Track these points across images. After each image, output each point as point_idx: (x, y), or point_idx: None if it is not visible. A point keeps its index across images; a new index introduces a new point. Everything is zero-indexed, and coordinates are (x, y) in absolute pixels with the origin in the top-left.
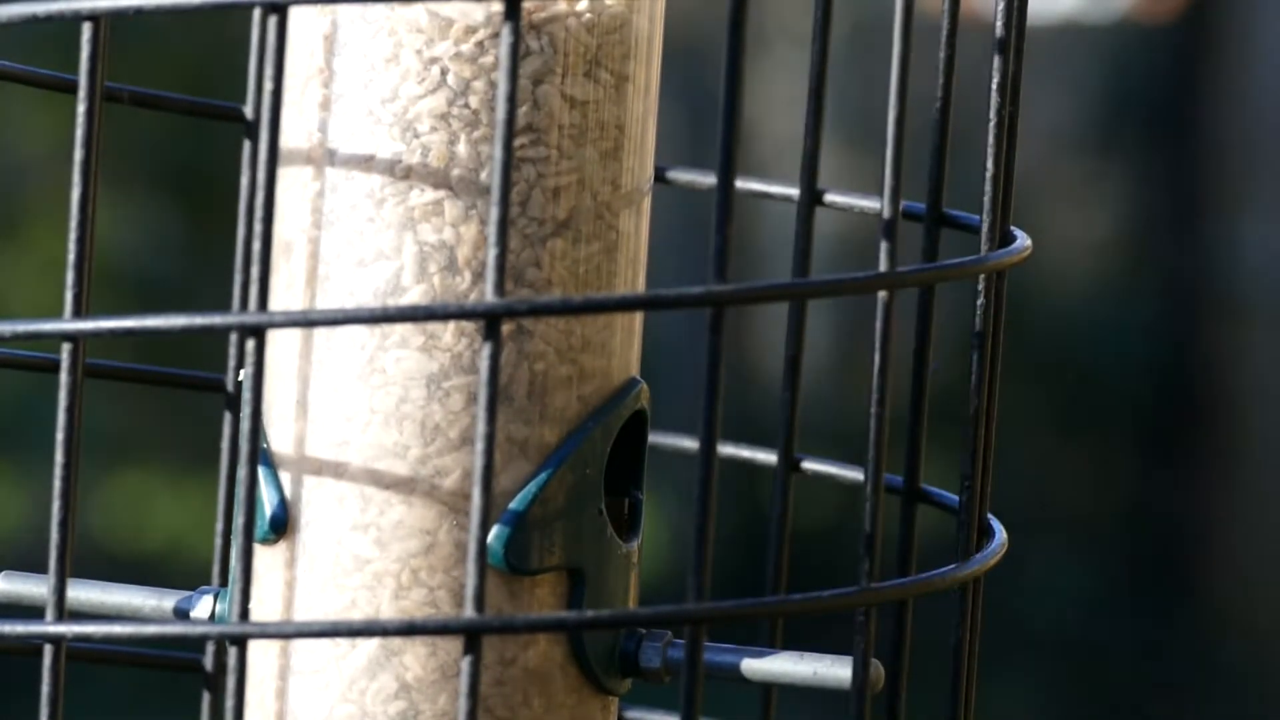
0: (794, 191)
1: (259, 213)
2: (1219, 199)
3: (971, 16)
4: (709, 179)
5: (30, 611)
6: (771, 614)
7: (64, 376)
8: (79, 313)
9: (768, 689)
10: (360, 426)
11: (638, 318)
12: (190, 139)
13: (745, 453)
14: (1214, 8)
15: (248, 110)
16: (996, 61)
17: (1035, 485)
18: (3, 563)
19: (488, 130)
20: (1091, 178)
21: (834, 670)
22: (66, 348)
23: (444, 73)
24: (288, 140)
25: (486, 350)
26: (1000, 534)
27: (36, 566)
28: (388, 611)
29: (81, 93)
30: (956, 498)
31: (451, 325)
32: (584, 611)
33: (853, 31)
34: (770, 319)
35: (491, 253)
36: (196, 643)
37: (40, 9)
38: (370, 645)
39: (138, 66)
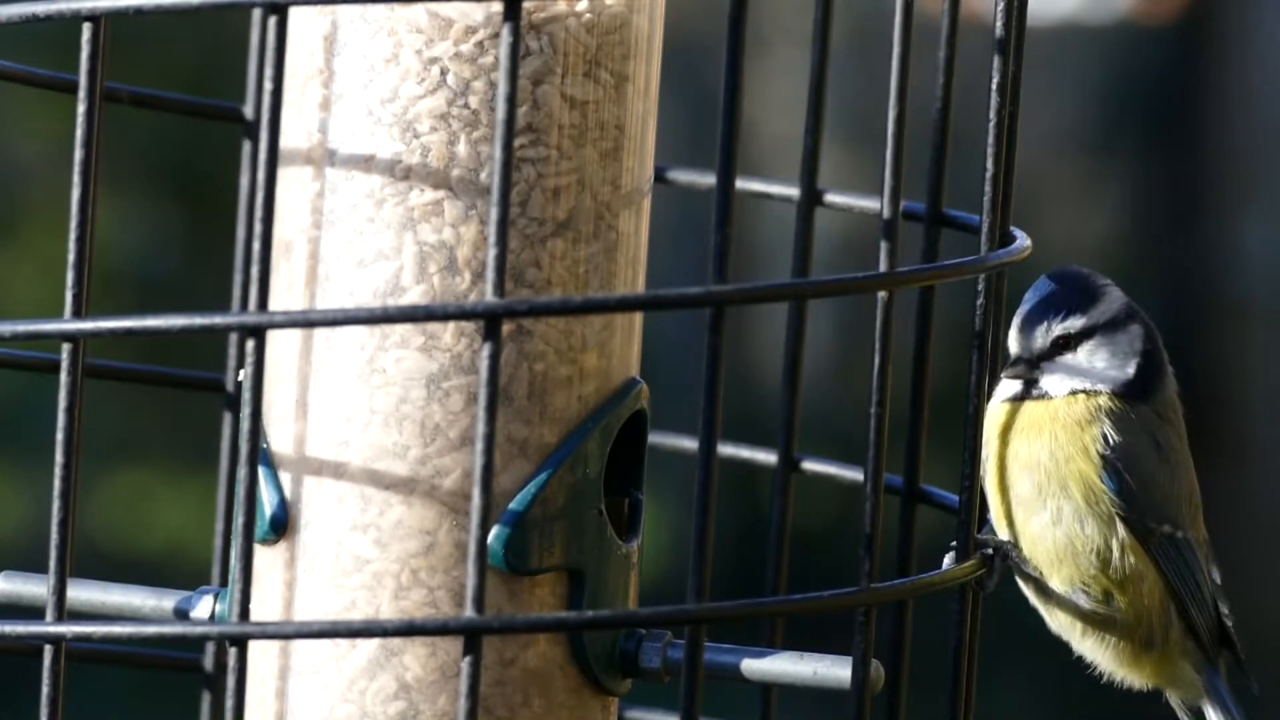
0: (794, 191)
1: (259, 213)
2: (1219, 199)
3: (971, 16)
4: (709, 179)
5: (30, 611)
6: (771, 614)
7: (64, 376)
8: (79, 313)
9: (768, 689)
10: (360, 426)
11: (638, 318)
12: (190, 139)
13: (745, 453)
14: (1214, 8)
15: (248, 110)
16: (996, 61)
17: None
18: (3, 563)
19: (488, 130)
20: (1091, 178)
21: (834, 670)
22: (66, 348)
23: (444, 73)
24: (288, 140)
25: (486, 350)
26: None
27: (36, 566)
28: (388, 611)
29: (81, 93)
30: (956, 498)
31: (451, 325)
32: (584, 611)
33: (853, 31)
34: (770, 319)
35: (491, 253)
36: (196, 643)
37: (40, 9)
38: (370, 645)
39: (138, 66)
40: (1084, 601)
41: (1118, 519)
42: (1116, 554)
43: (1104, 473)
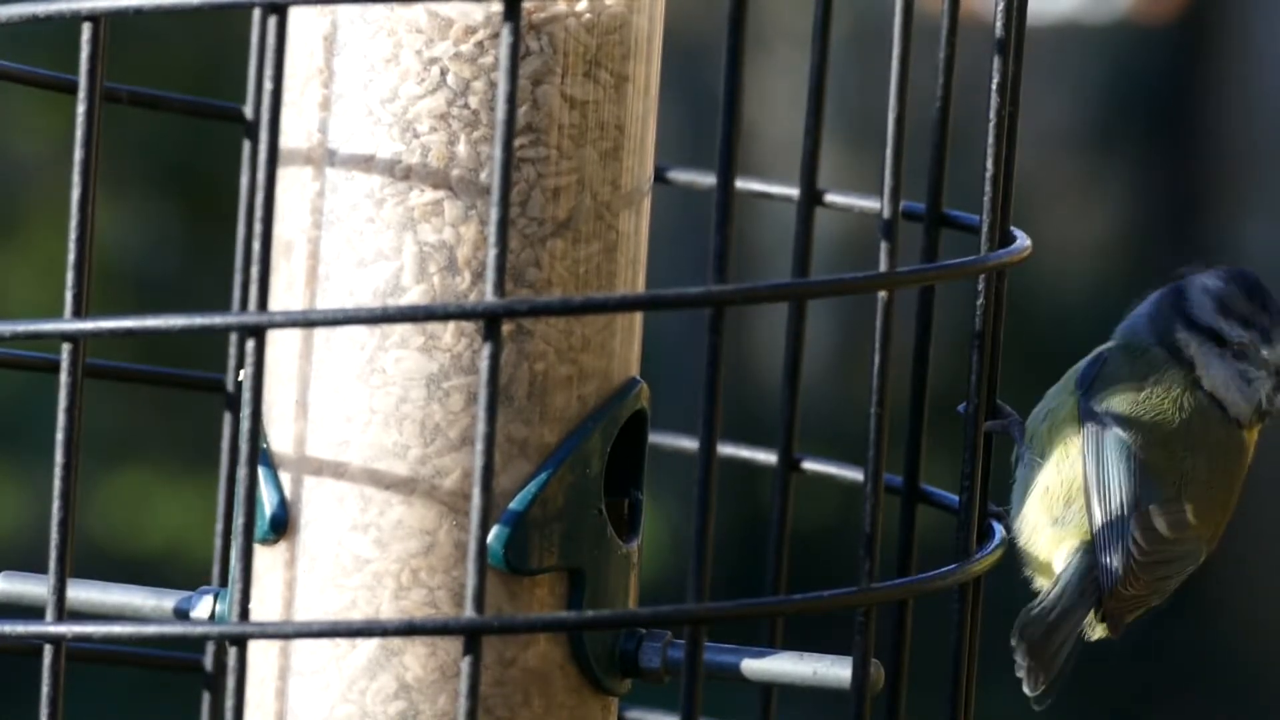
0: (794, 191)
1: (259, 213)
2: (1219, 199)
3: (971, 16)
4: (709, 179)
5: (30, 611)
6: (771, 614)
7: (64, 376)
8: (79, 313)
9: (768, 689)
10: (360, 426)
11: (638, 318)
12: (190, 139)
13: (745, 453)
14: (1213, 8)
15: (248, 110)
16: (996, 61)
17: None
18: (3, 563)
19: (488, 130)
20: (1091, 178)
21: (834, 670)
22: (66, 348)
23: (444, 73)
24: (288, 140)
25: (486, 350)
26: (1000, 534)
27: (36, 566)
28: (388, 611)
29: (81, 93)
30: (956, 498)
31: (451, 325)
32: (584, 611)
33: (853, 31)
34: (770, 319)
35: (491, 253)
36: (196, 643)
37: (40, 9)
38: (370, 645)
39: (138, 66)
40: (1026, 457)
41: (1074, 398)
42: (1062, 421)
43: (1083, 364)
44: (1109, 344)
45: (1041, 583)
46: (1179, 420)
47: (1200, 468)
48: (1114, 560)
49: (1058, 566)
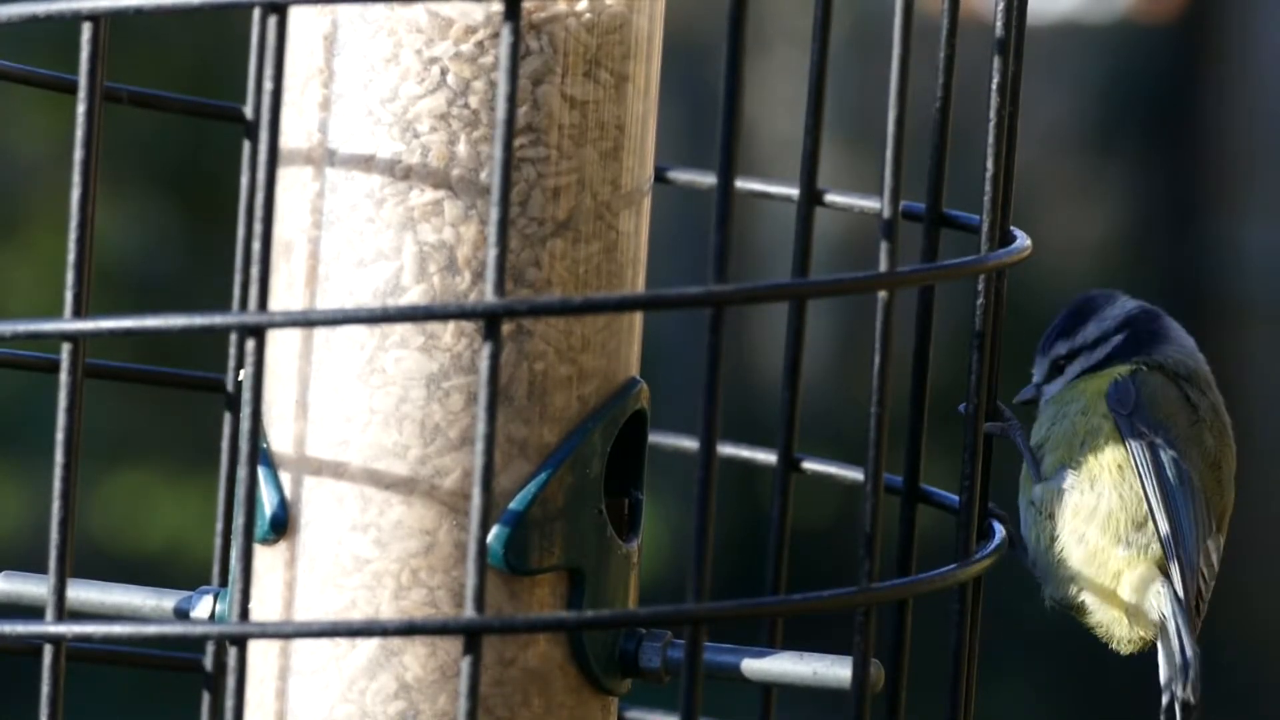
0: (794, 191)
1: (259, 213)
2: (1219, 199)
3: (971, 16)
4: (709, 179)
5: (30, 611)
6: (771, 614)
7: (64, 376)
8: (79, 313)
9: (768, 689)
10: (360, 426)
11: (638, 318)
12: (190, 139)
13: (745, 453)
14: (1214, 8)
15: (248, 110)
16: (996, 61)
17: None
18: (3, 563)
19: (488, 130)
20: (1091, 177)
21: (834, 670)
22: (66, 348)
23: (444, 73)
24: (288, 140)
25: (486, 350)
26: (1000, 534)
27: (36, 566)
28: (387, 611)
29: (81, 93)
30: (956, 498)
31: (451, 325)
32: (584, 611)
33: (853, 31)
34: (770, 319)
35: (491, 253)
36: (196, 643)
37: (40, 9)
38: (370, 645)
39: (138, 66)
40: (1067, 480)
41: (1110, 421)
42: (1104, 443)
43: (1111, 385)
44: (1126, 365)
45: (1092, 600)
46: (1225, 444)
47: (1231, 493)
48: (1191, 595)
49: (1125, 589)
